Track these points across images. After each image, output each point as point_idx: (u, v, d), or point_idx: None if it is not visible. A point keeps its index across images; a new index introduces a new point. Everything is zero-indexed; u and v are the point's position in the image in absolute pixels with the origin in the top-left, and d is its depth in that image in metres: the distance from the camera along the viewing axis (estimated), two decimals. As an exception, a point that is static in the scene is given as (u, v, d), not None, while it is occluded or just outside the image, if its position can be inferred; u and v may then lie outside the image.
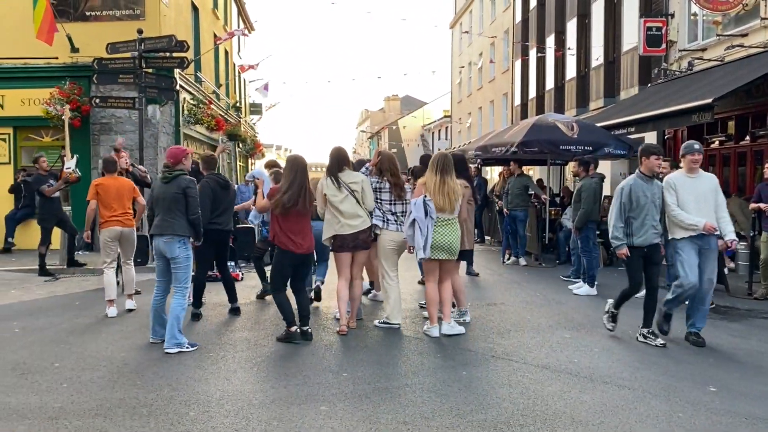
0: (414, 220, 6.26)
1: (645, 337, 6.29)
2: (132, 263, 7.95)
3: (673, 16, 15.03)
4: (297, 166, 6.27)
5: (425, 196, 6.28)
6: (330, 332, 6.62)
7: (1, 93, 13.96)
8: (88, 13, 14.20)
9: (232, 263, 9.41)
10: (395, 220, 6.85)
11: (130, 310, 7.63)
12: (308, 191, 6.22)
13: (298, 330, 6.22)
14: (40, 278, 10.29)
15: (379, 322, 6.91)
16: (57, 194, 10.65)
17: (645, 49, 14.96)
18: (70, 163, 10.64)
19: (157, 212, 6.15)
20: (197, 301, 7.38)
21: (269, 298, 8.44)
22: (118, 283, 7.89)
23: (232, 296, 7.63)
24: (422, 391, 4.81)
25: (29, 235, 11.24)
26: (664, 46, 14.88)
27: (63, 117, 11.66)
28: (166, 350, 5.82)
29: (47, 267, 10.56)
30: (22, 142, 14.47)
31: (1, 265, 11.34)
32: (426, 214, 6.23)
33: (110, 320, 7.25)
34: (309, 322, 6.38)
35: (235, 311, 7.58)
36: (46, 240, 10.49)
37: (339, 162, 6.64)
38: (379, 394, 4.76)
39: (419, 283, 9.30)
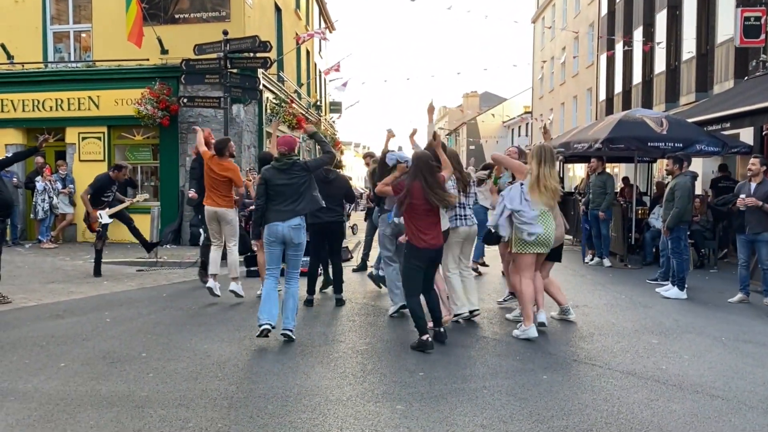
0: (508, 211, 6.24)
1: None
2: (235, 246, 8.07)
3: (773, 4, 14.15)
4: (417, 161, 5.95)
5: (522, 183, 6.22)
6: (407, 330, 6.58)
7: (97, 93, 14.70)
8: (177, 16, 14.71)
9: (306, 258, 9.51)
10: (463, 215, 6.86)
11: (234, 293, 7.89)
12: (431, 186, 5.81)
13: (430, 338, 5.84)
14: (130, 270, 10.76)
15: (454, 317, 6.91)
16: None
17: (742, 40, 14.17)
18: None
19: (278, 200, 5.99)
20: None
21: (328, 291, 8.60)
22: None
23: (338, 287, 8.02)
24: (500, 394, 4.69)
25: (119, 229, 11.78)
26: (763, 36, 14.03)
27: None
28: (285, 331, 5.99)
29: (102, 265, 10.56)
30: (115, 140, 15.18)
31: (95, 258, 11.91)
32: (520, 201, 6.17)
33: (193, 312, 7.49)
34: (441, 322, 6.19)
35: (339, 302, 7.94)
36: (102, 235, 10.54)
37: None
38: (456, 395, 4.68)
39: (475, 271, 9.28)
